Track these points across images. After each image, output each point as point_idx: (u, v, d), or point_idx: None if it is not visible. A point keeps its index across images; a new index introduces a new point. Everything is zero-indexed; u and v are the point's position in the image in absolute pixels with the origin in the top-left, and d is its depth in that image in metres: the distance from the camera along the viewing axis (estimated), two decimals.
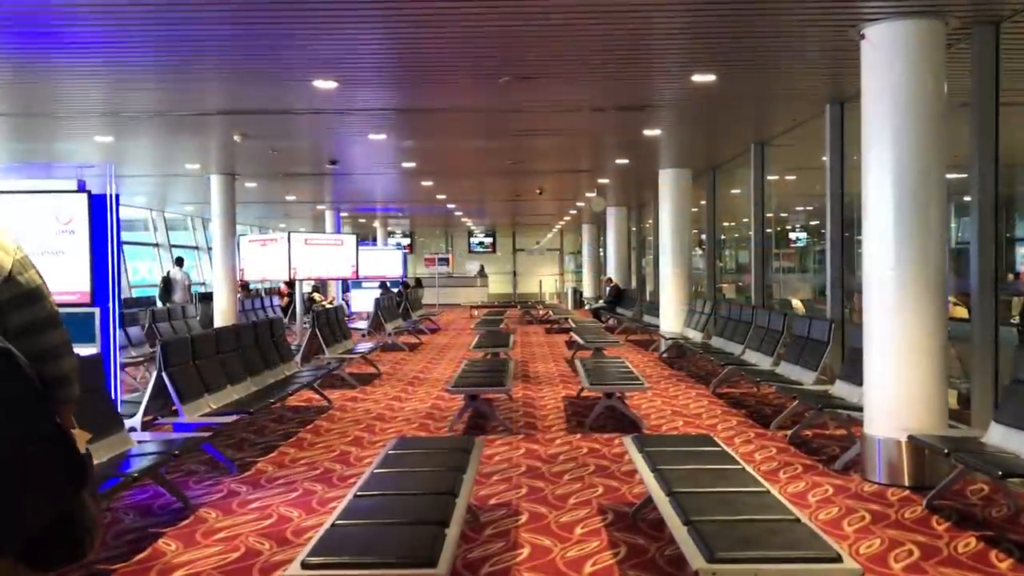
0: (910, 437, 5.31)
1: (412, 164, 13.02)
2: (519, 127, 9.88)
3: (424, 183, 15.91)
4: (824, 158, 12.82)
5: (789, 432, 7.27)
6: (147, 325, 12.24)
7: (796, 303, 12.28)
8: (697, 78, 7.31)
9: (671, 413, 8.58)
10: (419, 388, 10.56)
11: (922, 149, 5.66)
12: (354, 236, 14.55)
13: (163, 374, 6.34)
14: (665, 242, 13.76)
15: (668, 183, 13.66)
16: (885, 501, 5.34)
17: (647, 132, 10.04)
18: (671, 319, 13.77)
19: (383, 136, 10.16)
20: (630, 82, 7.68)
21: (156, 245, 22.31)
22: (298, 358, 10.61)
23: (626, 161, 12.84)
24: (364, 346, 12.91)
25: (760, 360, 9.43)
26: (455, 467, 4.37)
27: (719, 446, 4.91)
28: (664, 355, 13.44)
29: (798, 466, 6.29)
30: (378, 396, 9.93)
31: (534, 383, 10.81)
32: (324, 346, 10.74)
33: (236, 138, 9.94)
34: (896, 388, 5.69)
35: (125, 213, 21.74)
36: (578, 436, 7.45)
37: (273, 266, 13.46)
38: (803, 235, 24.34)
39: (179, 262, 17.55)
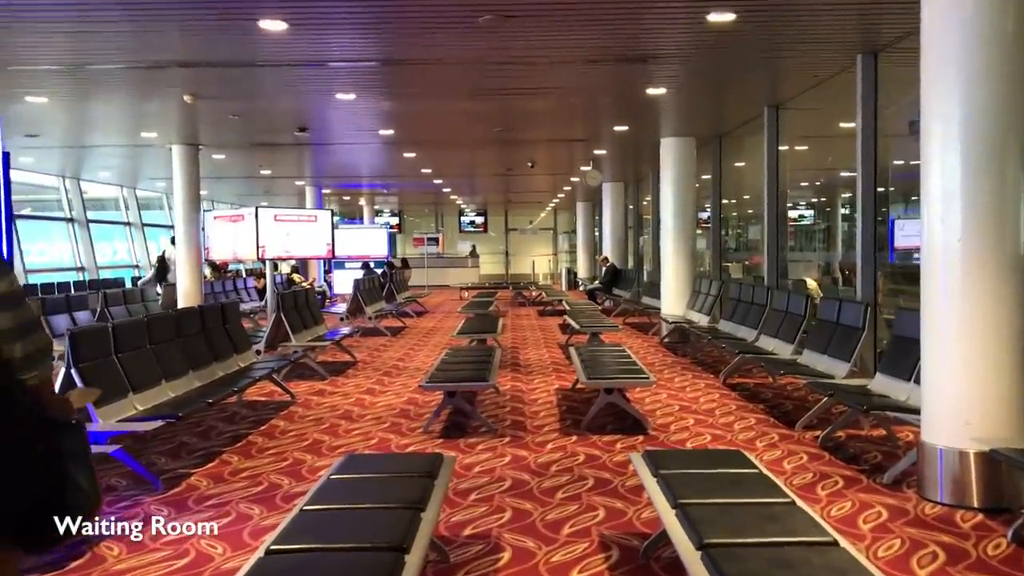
0: (992, 451, 4.24)
1: (390, 132, 11.83)
2: (506, 85, 8.75)
3: (407, 155, 14.72)
4: (844, 124, 11.75)
5: (820, 434, 6.23)
6: (99, 309, 11.13)
7: (811, 283, 11.21)
8: (713, 17, 6.19)
9: (679, 409, 7.52)
10: (396, 379, 9.49)
11: (999, 99, 4.57)
12: (329, 211, 13.41)
13: (72, 371, 5.25)
14: (667, 218, 12.66)
15: (671, 153, 12.54)
16: (957, 529, 4.29)
17: (651, 91, 8.90)
18: (673, 301, 12.70)
19: (351, 96, 8.97)
20: (633, 24, 6.55)
21: (127, 224, 21.11)
22: (260, 346, 9.53)
23: (625, 128, 11.68)
24: (341, 331, 11.83)
25: (778, 347, 8.37)
26: (412, 503, 3.30)
27: (755, 467, 3.84)
28: (666, 340, 12.38)
29: (837, 479, 5.23)
30: (349, 388, 8.85)
31: (524, 373, 9.74)
32: (290, 332, 9.63)
33: (186, 99, 8.77)
34: (965, 387, 4.62)
35: (95, 191, 20.61)
36: (573, 439, 6.38)
37: (241, 245, 12.35)
38: (808, 212, 23.27)
39: (174, 241, 16.42)
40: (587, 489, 5.08)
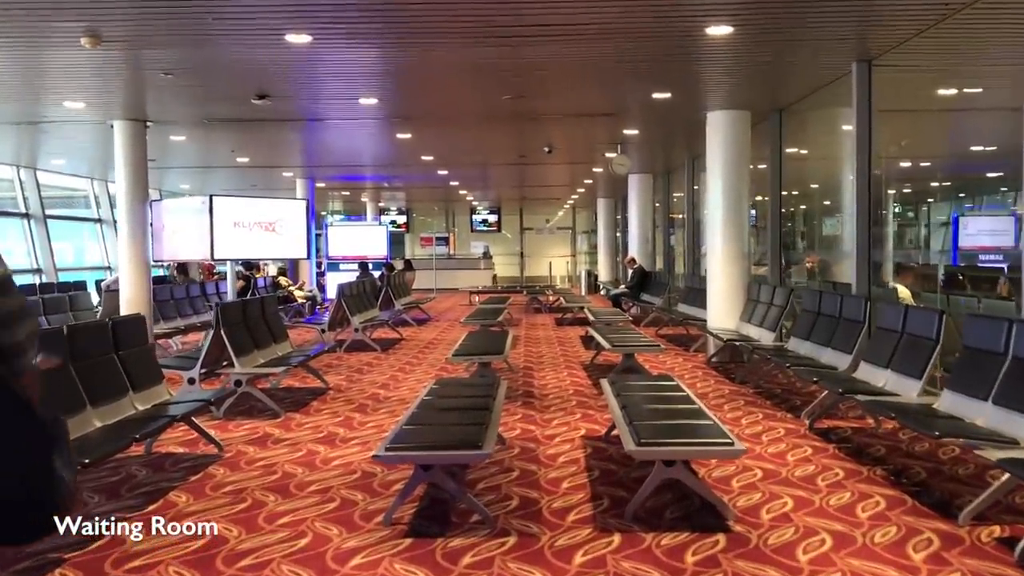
0: None
1: (373, 101, 9.51)
2: (513, 23, 6.42)
3: (400, 135, 12.40)
4: (943, 90, 9.38)
5: (1002, 534, 3.90)
6: None
7: (903, 291, 8.83)
8: None
9: (763, 477, 5.16)
10: (370, 416, 7.22)
11: None
12: (303, 202, 11.14)
13: None
14: (715, 209, 10.30)
15: (720, 130, 10.20)
16: None
17: (712, 30, 6.54)
18: (722, 311, 10.34)
19: (306, 39, 6.65)
20: None
21: (98, 221, 18.94)
22: (195, 373, 7.28)
23: (666, 95, 9.30)
24: (315, 349, 9.60)
25: (894, 383, 5.98)
26: None
27: None
28: (714, 360, 10.03)
29: None
30: (304, 432, 6.58)
31: (540, 408, 7.42)
32: (233, 355, 7.36)
33: (84, 42, 6.52)
34: None
35: (63, 183, 18.50)
36: (615, 541, 4.05)
37: (193, 242, 10.15)
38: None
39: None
40: None
